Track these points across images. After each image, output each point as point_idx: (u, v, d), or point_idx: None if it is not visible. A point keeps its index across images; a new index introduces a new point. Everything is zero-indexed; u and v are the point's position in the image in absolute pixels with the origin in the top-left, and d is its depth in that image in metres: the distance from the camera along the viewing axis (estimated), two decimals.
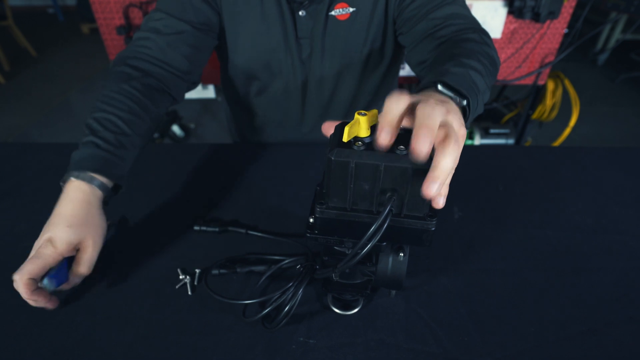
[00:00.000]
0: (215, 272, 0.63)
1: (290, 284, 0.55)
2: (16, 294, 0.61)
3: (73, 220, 0.56)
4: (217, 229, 0.71)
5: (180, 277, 0.62)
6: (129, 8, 1.58)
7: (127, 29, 1.61)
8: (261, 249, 0.68)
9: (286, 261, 0.62)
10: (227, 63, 0.88)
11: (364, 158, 0.43)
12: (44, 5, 5.52)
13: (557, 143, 2.34)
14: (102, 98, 0.65)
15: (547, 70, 1.76)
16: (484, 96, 0.56)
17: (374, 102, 0.96)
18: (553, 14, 1.57)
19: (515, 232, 0.72)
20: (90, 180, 0.59)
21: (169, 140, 2.19)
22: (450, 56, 0.57)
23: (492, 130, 2.19)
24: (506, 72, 1.76)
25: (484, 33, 0.68)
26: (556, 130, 2.38)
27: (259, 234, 0.70)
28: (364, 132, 0.45)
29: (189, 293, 0.61)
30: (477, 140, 2.20)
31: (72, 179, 0.59)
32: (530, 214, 0.76)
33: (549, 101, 2.14)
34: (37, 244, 0.56)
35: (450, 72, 0.52)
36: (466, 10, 0.72)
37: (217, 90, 2.19)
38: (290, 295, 0.54)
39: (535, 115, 2.17)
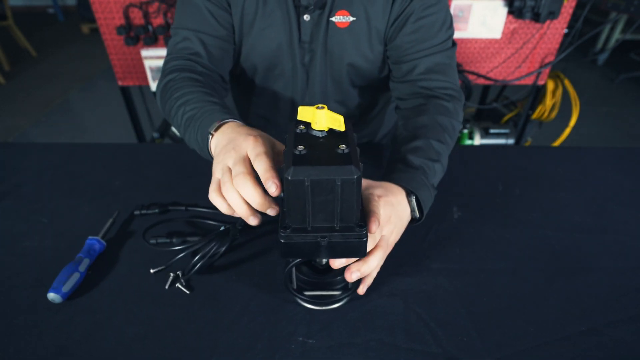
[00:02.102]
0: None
1: (199, 239, 0.66)
2: (16, 294, 0.61)
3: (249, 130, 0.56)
4: (157, 211, 0.75)
5: (171, 274, 0.63)
6: (129, 8, 1.58)
7: (127, 29, 1.61)
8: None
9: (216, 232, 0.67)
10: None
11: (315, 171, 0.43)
12: (44, 5, 5.53)
13: (557, 143, 2.34)
14: (186, 95, 0.69)
15: (547, 70, 1.76)
16: (439, 177, 0.67)
17: (371, 111, 0.96)
18: (553, 14, 1.57)
19: (514, 232, 0.72)
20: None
21: (169, 140, 2.19)
22: (418, 148, 0.66)
23: (492, 130, 2.18)
24: (506, 72, 1.76)
25: (458, 99, 0.76)
26: (556, 130, 2.38)
27: (200, 209, 0.76)
28: (317, 124, 0.47)
29: (187, 292, 0.61)
30: (477, 140, 2.19)
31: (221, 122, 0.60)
32: (530, 214, 0.76)
33: (548, 101, 2.14)
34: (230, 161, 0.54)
35: (415, 180, 0.61)
36: (453, 61, 0.79)
37: None
38: (199, 248, 0.64)
39: (535, 115, 2.17)
